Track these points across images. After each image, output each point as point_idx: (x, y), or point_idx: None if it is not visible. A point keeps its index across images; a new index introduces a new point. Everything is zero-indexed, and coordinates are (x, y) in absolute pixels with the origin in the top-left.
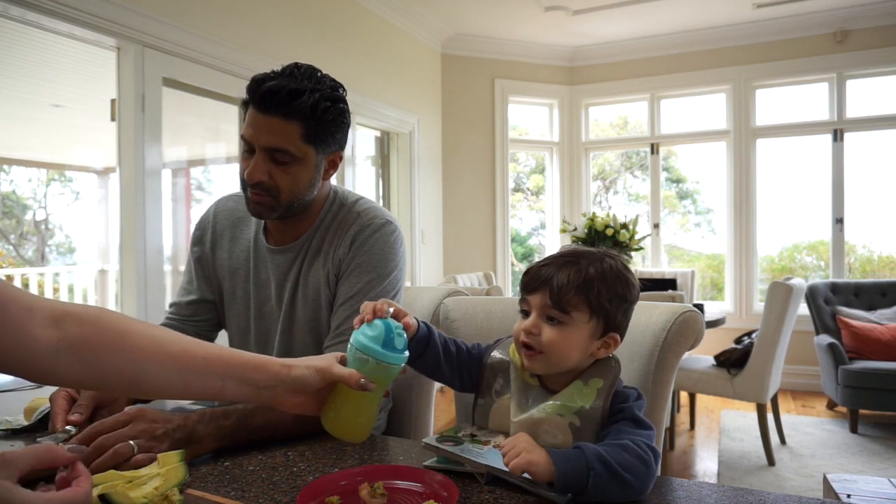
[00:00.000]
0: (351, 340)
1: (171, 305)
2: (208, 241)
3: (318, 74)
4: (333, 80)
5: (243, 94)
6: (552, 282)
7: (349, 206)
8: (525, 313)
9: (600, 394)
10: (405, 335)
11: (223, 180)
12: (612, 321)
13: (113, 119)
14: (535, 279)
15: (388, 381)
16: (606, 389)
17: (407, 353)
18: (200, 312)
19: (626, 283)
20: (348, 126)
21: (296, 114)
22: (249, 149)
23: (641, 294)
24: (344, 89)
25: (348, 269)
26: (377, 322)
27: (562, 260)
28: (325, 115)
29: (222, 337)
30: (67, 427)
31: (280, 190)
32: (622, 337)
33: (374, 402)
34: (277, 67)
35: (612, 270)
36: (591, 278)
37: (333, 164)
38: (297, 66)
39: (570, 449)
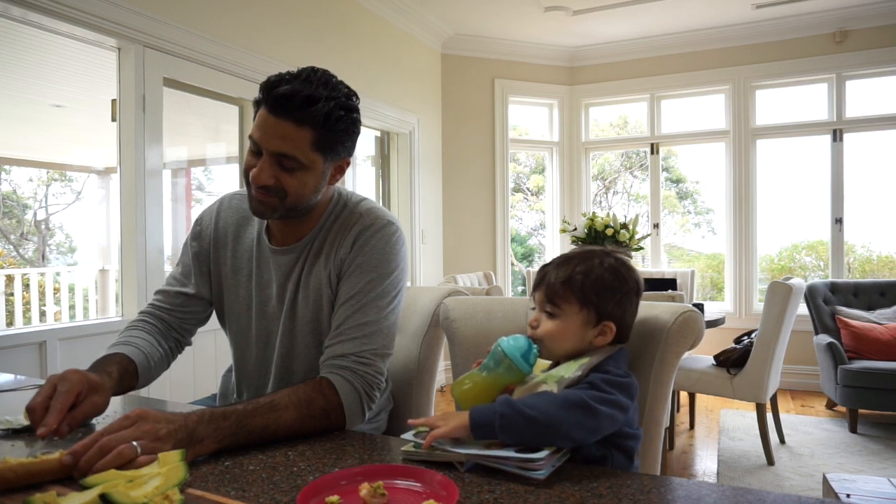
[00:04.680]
0: (499, 342)
1: (158, 293)
2: (208, 238)
3: (334, 81)
4: (348, 88)
5: (243, 94)
6: (546, 280)
7: (352, 206)
8: (534, 309)
9: (581, 367)
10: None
11: (223, 180)
12: (604, 310)
13: (113, 119)
14: (537, 279)
15: (513, 382)
16: (590, 365)
17: (532, 369)
18: (189, 306)
19: (616, 276)
20: (358, 134)
21: (309, 121)
22: (257, 150)
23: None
24: (357, 98)
25: (350, 268)
26: (522, 338)
27: (560, 260)
28: (338, 124)
29: (221, 336)
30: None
31: (287, 193)
32: (626, 326)
33: (495, 391)
34: (281, 68)
35: (602, 266)
36: (576, 274)
37: (340, 170)
38: (313, 70)
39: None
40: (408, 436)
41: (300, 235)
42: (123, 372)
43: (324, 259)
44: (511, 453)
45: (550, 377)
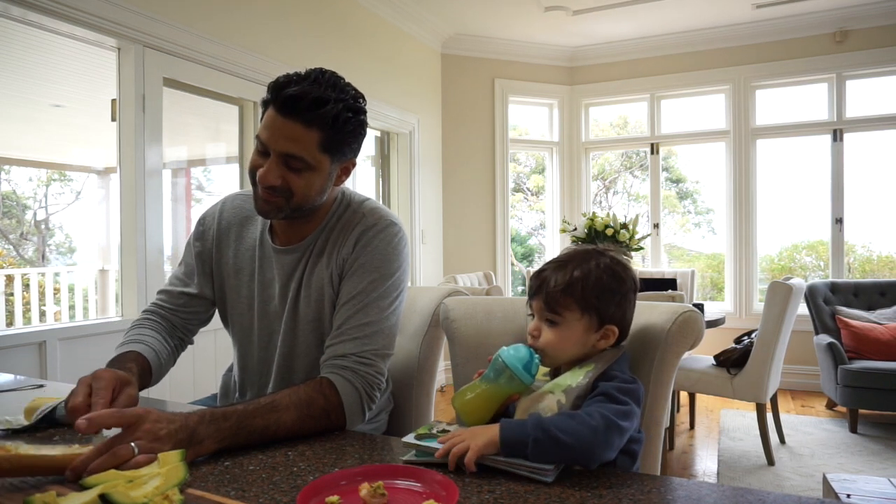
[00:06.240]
0: (500, 352)
1: (161, 292)
2: (211, 238)
3: (342, 83)
4: (355, 90)
5: (243, 94)
6: (544, 287)
7: (355, 206)
8: (531, 316)
9: (588, 375)
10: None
11: (223, 180)
12: (606, 314)
13: (113, 119)
14: (534, 285)
15: (515, 392)
16: (595, 372)
17: (534, 380)
18: (192, 305)
19: (614, 277)
20: (364, 136)
21: (317, 122)
22: (264, 150)
23: (641, 294)
24: (364, 100)
25: (352, 268)
26: (523, 348)
27: (555, 264)
28: (346, 126)
29: (221, 336)
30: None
31: (293, 193)
32: (626, 326)
33: (497, 402)
34: (281, 68)
35: (599, 268)
36: (575, 280)
37: (346, 171)
38: (321, 72)
39: (519, 419)
40: (409, 438)
41: (303, 235)
42: (140, 370)
43: (326, 258)
44: (521, 458)
45: (557, 386)
